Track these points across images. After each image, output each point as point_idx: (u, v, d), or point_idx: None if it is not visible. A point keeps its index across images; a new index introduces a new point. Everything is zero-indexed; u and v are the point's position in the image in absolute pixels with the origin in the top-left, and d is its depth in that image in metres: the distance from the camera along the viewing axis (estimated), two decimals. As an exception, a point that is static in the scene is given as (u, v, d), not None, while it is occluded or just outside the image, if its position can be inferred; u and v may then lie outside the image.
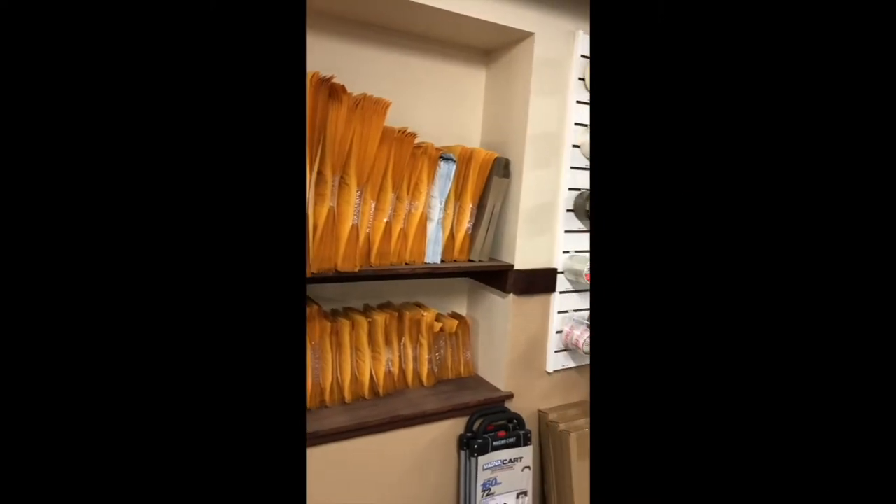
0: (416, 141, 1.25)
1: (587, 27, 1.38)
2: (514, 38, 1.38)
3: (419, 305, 1.50)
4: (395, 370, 1.40)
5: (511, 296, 1.42)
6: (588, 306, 1.54)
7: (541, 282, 1.45)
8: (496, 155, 1.37)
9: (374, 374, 1.36)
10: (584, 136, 1.42)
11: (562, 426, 1.43)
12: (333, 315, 1.38)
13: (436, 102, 1.48)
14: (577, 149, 1.43)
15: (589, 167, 1.45)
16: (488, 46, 1.49)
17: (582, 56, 1.38)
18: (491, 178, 1.38)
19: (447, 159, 1.30)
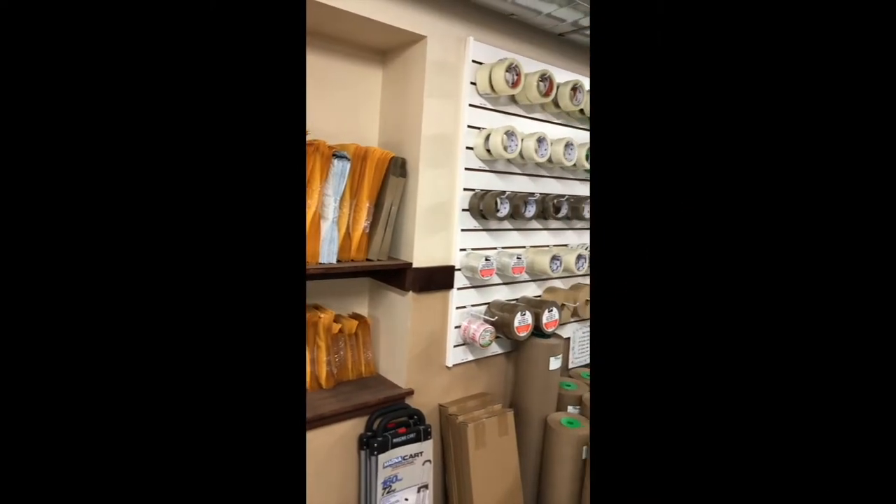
0: (308, 138, 1.23)
1: (477, 33, 1.44)
2: (407, 40, 1.40)
3: (317, 307, 1.47)
4: (292, 374, 1.36)
5: (410, 293, 1.44)
6: (483, 301, 1.61)
7: (439, 279, 1.49)
8: (392, 154, 1.39)
9: (267, 379, 1.31)
10: (477, 139, 1.48)
11: (460, 418, 1.47)
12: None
13: (332, 101, 1.46)
14: (470, 150, 1.48)
15: (482, 169, 1.52)
16: (384, 47, 1.50)
17: (473, 61, 1.44)
18: (388, 178, 1.39)
19: (341, 157, 1.29)
